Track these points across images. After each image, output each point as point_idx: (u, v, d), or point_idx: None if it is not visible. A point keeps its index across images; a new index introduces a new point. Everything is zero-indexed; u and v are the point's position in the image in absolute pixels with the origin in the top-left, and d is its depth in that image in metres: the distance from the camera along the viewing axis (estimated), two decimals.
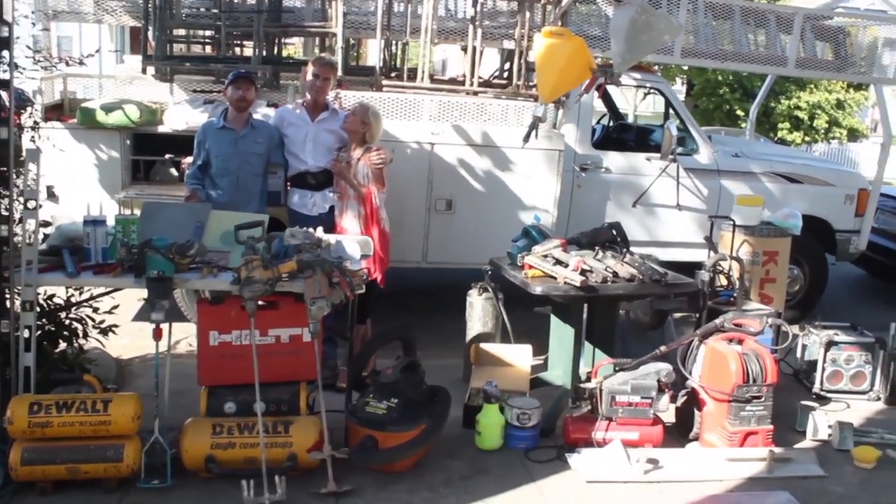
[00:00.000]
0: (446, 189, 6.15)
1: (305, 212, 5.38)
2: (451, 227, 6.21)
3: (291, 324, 3.91)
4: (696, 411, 4.44)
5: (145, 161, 6.05)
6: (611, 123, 8.17)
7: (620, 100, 12.73)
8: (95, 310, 4.75)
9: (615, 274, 4.35)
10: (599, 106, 7.72)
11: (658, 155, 6.64)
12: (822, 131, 21.01)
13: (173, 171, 6.02)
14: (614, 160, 6.72)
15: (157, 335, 3.71)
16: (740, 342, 4.47)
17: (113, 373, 5.16)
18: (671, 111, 7.02)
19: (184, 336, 5.36)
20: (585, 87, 4.97)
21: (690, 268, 6.87)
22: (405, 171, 5.94)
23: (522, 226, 6.13)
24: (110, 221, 4.09)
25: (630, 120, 12.84)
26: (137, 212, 5.73)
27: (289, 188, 5.49)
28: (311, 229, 4.44)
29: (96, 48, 6.03)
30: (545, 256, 4.43)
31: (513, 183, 6.23)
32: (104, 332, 4.75)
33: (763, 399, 4.26)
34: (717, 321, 4.50)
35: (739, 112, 20.07)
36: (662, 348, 4.41)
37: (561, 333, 4.87)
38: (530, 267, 4.42)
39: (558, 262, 4.39)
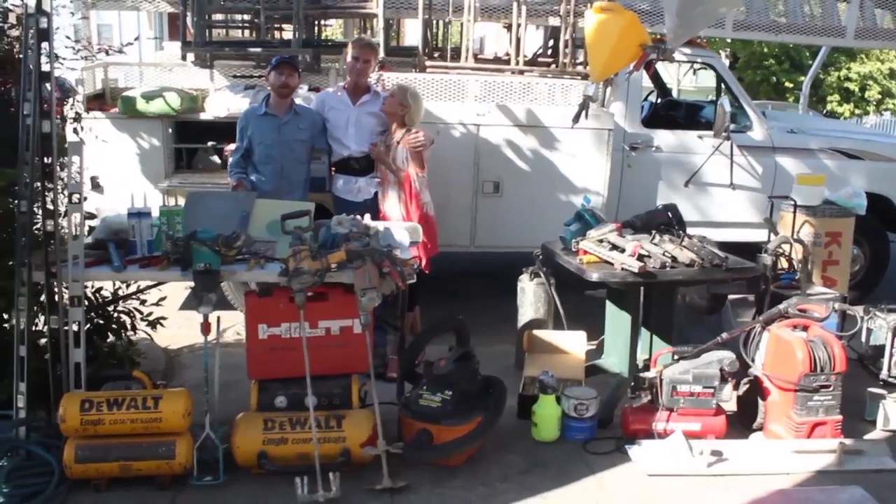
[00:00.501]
0: (493, 171, 6.00)
1: (350, 197, 5.28)
2: (499, 210, 6.07)
3: (342, 315, 3.81)
4: (759, 401, 4.26)
5: (188, 149, 6.00)
6: (658, 100, 7.92)
7: (665, 75, 12.47)
8: (143, 302, 4.70)
9: (674, 259, 4.18)
10: (646, 82, 7.49)
11: (710, 133, 6.42)
12: (875, 103, 20.37)
13: (216, 158, 5.95)
14: (665, 139, 6.50)
15: (206, 329, 3.63)
16: (805, 328, 4.28)
17: (162, 364, 5.13)
18: (723, 87, 6.75)
19: (231, 325, 5.29)
20: (636, 65, 4.77)
21: (745, 249, 6.68)
22: (451, 153, 5.80)
23: (571, 208, 5.98)
24: (155, 213, 4.02)
25: (675, 96, 12.52)
26: (182, 200, 5.77)
27: (333, 174, 5.39)
28: (357, 216, 4.34)
29: (135, 36, 5.96)
30: (601, 241, 4.27)
31: (561, 164, 6.06)
32: (152, 324, 4.71)
33: (832, 388, 4.07)
34: (781, 307, 4.31)
35: (788, 84, 19.54)
36: (724, 335, 4.23)
37: (616, 319, 4.71)
38: (585, 252, 4.26)
39: (614, 247, 4.23)
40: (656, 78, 7.91)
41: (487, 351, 5.57)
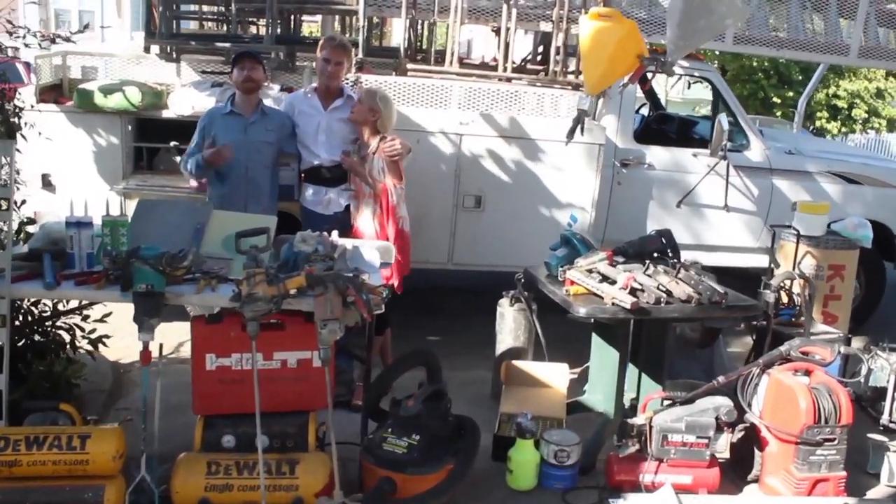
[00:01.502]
0: (475, 184, 5.62)
1: (320, 210, 4.87)
2: (480, 226, 5.69)
3: (299, 346, 3.41)
4: (756, 450, 3.91)
5: (148, 148, 5.57)
6: (650, 114, 7.59)
7: (654, 85, 12.16)
8: (85, 318, 4.27)
9: (669, 293, 3.82)
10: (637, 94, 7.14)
11: (705, 150, 6.09)
12: (861, 121, 20.27)
13: (178, 159, 5.51)
14: (658, 155, 6.15)
15: (146, 358, 3.22)
16: (808, 373, 3.94)
17: (109, 382, 4.72)
18: (720, 103, 6.42)
19: (187, 338, 4.88)
20: (632, 77, 4.41)
21: (738, 274, 6.39)
22: (431, 164, 5.42)
23: (557, 226, 5.63)
24: (98, 222, 3.60)
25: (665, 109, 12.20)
26: (134, 203, 5.35)
27: (302, 182, 4.99)
28: (324, 233, 3.94)
29: (85, 23, 5.51)
30: (590, 271, 3.90)
31: (548, 179, 5.69)
32: (94, 343, 4.28)
33: (836, 442, 3.73)
34: (783, 349, 3.96)
35: (776, 99, 19.36)
36: (721, 379, 3.88)
37: (603, 353, 4.36)
38: (572, 283, 3.89)
39: (605, 277, 3.86)
40: (649, 90, 7.56)
41: (463, 376, 5.25)
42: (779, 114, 19.44)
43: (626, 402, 4.26)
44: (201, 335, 3.37)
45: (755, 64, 19.09)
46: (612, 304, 3.69)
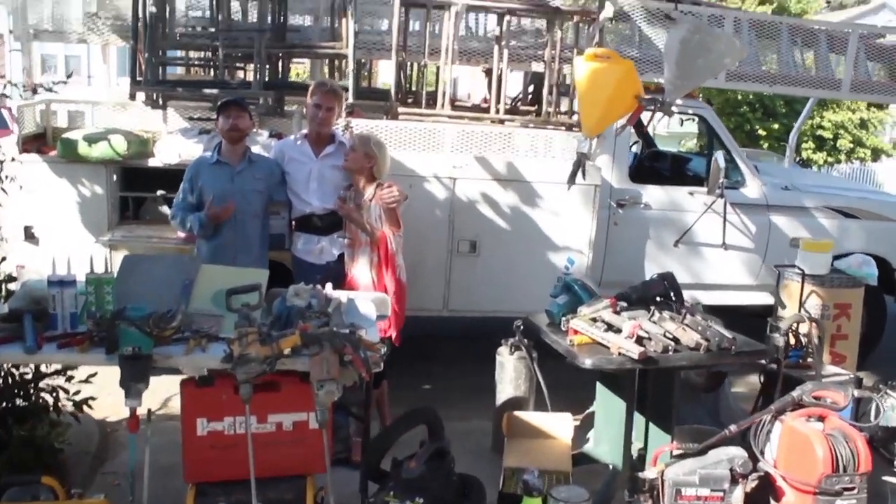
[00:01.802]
0: (470, 229, 5.51)
1: (312, 259, 4.75)
2: (476, 271, 5.57)
3: (295, 408, 3.25)
4: (771, 501, 3.75)
5: (135, 198, 5.43)
6: (642, 152, 7.52)
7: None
8: (69, 378, 4.10)
9: (676, 341, 3.69)
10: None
11: (701, 189, 6.02)
12: (846, 151, 20.37)
13: (166, 208, 5.38)
14: (654, 195, 6.07)
15: (133, 425, 3.06)
16: (822, 418, 3.79)
17: (95, 444, 4.54)
18: (714, 140, 6.36)
19: (177, 391, 4.70)
20: (630, 119, 4.33)
21: (737, 312, 6.27)
22: (424, 208, 5.31)
23: (553, 270, 5.51)
24: (82, 279, 3.45)
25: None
26: (120, 255, 5.20)
27: (293, 230, 4.86)
28: (318, 286, 3.80)
29: (69, 73, 5.40)
30: (594, 319, 3.77)
31: (544, 222, 5.58)
32: (79, 405, 4.10)
33: (856, 491, 3.57)
34: (795, 394, 3.81)
35: (761, 132, 19.41)
36: (733, 428, 3.73)
37: (608, 403, 4.22)
38: (576, 332, 3.75)
39: (610, 326, 3.73)
40: (640, 128, 7.51)
41: (463, 427, 5.07)
42: (765, 146, 19.49)
43: (634, 453, 4.11)
44: (192, 399, 3.20)
45: (740, 97, 19.17)
46: (619, 353, 3.55)
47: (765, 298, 6.36)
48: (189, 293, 3.58)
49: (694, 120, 6.76)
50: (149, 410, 3.23)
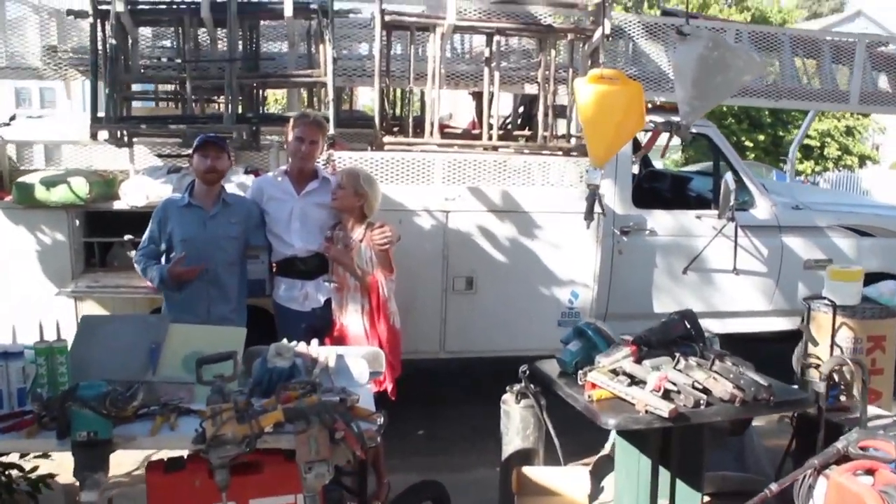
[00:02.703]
0: (465, 265, 5.12)
1: (296, 307, 4.33)
2: (473, 309, 5.18)
3: (280, 490, 2.82)
4: None
5: (100, 243, 5.00)
6: (641, 172, 7.15)
7: None
8: (23, 456, 3.64)
9: (706, 391, 3.28)
10: None
11: (709, 212, 5.67)
12: (834, 160, 20.22)
13: (133, 254, 4.95)
14: (660, 220, 5.69)
15: None
16: (871, 472, 3.40)
17: None
18: (720, 159, 6.00)
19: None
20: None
21: (749, 340, 5.91)
22: (416, 245, 4.92)
23: (557, 305, 5.16)
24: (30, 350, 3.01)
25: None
26: (87, 307, 4.76)
27: (274, 275, 4.44)
28: (303, 343, 3.39)
29: (11, 115, 4.99)
30: (614, 371, 3.36)
31: (544, 254, 5.20)
32: (35, 484, 3.64)
33: None
34: (839, 445, 3.41)
35: (748, 143, 19.24)
36: (774, 487, 3.32)
37: (628, 458, 3.80)
38: (595, 386, 3.34)
39: (632, 379, 3.32)
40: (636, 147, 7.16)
41: (466, 479, 4.70)
42: (752, 156, 19.32)
43: None
44: (160, 488, 2.76)
45: (725, 109, 18.99)
46: (646, 411, 3.14)
47: (779, 324, 6.01)
48: (156, 359, 3.17)
49: (695, 138, 6.39)
50: (110, 500, 2.78)
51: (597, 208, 4.35)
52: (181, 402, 2.94)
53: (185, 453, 2.79)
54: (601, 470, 4.74)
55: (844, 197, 7.97)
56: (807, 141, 19.72)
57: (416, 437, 5.38)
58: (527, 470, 4.10)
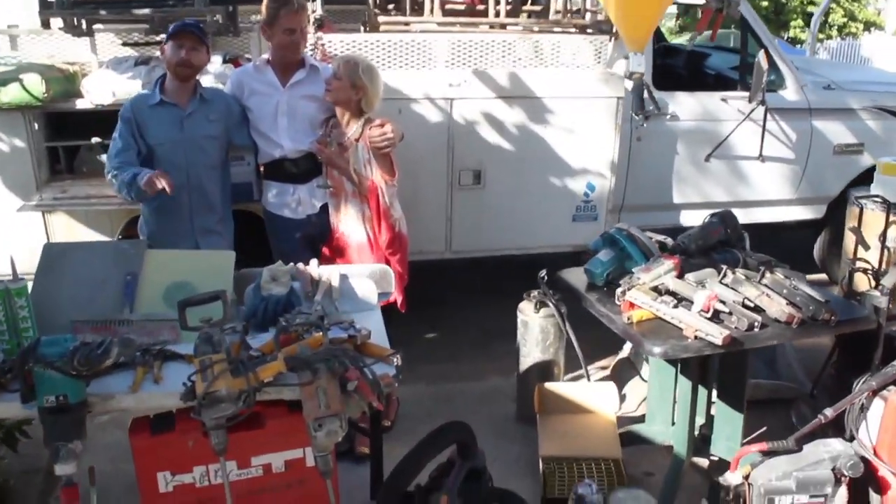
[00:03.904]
0: (472, 157, 4.65)
1: (289, 213, 3.89)
2: (481, 205, 4.76)
3: (286, 444, 2.47)
4: (872, 493, 3.08)
5: (65, 147, 4.47)
6: (654, 47, 6.57)
7: None
8: None
9: (759, 309, 2.92)
10: None
11: (736, 94, 5.18)
12: (838, 27, 19.38)
13: (103, 157, 4.43)
14: (683, 103, 5.16)
15: (70, 499, 2.25)
16: None
17: (46, 456, 3.73)
18: (750, 35, 5.42)
19: None
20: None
21: (774, 229, 5.55)
22: (418, 137, 4.40)
23: (572, 198, 4.76)
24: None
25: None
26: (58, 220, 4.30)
27: (262, 179, 3.97)
28: (300, 265, 2.98)
29: None
30: (655, 289, 2.97)
31: (558, 143, 4.74)
32: (9, 437, 3.29)
33: None
34: None
35: None
36: (828, 412, 3.00)
37: (663, 377, 3.49)
38: (633, 306, 2.96)
39: (676, 297, 2.94)
40: None
41: (478, 388, 4.46)
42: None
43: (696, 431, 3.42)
44: (146, 451, 2.39)
45: None
46: (695, 337, 2.77)
47: (804, 213, 5.63)
48: (133, 292, 2.75)
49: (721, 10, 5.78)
50: (90, 469, 2.42)
51: (647, 102, 3.83)
52: (165, 344, 2.54)
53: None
54: (621, 375, 4.47)
55: (879, 74, 7.37)
56: (810, 7, 18.82)
57: (422, 342, 5.07)
58: (549, 386, 3.80)
